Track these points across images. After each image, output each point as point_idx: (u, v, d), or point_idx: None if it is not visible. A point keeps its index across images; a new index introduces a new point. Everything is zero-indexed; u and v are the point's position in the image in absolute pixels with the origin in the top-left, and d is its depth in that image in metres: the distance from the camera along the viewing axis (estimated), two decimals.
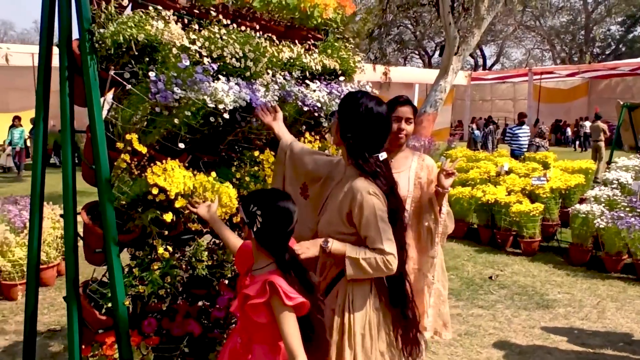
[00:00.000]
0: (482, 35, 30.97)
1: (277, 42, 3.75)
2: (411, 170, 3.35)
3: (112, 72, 2.57)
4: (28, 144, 17.76)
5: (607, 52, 41.86)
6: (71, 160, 2.71)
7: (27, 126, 18.25)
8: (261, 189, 2.53)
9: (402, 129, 3.32)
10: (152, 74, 2.54)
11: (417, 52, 44.99)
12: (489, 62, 45.96)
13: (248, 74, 3.16)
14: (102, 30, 2.58)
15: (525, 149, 12.53)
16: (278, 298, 2.08)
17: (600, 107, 28.05)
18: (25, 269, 5.75)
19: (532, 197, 8.05)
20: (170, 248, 2.71)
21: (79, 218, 2.80)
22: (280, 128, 3.12)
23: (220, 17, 3.17)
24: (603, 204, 7.28)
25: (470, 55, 40.94)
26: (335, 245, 2.46)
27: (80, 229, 2.82)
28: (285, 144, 3.01)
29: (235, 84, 3.06)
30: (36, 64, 17.75)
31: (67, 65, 2.66)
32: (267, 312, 2.13)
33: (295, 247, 2.38)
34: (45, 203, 6.32)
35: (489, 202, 8.00)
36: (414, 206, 3.27)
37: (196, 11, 3.17)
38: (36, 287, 3.03)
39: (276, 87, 3.30)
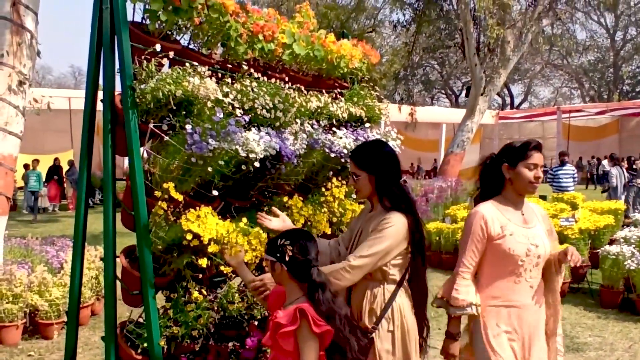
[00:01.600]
0: (509, 75, 31.14)
1: (305, 91, 3.93)
2: (540, 223, 2.99)
3: (151, 125, 2.75)
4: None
5: (637, 90, 41.55)
6: (112, 206, 2.88)
7: (64, 166, 18.78)
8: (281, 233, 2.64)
9: (538, 176, 2.87)
10: (188, 127, 2.72)
11: (444, 92, 45.31)
12: (516, 101, 45.97)
13: (278, 124, 3.33)
14: (142, 86, 2.77)
15: (569, 190, 11.36)
16: (307, 324, 2.24)
17: (631, 145, 27.73)
18: (61, 309, 5.96)
19: (561, 238, 8.01)
20: (204, 291, 2.84)
21: (117, 261, 2.96)
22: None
23: (252, 70, 3.36)
24: (633, 245, 7.22)
25: (498, 94, 41.05)
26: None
27: (118, 271, 2.98)
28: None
29: (266, 133, 3.23)
30: (72, 106, 18.13)
31: (110, 119, 2.86)
32: (295, 340, 2.27)
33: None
34: None
35: None
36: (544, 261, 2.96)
37: (229, 65, 3.37)
38: (76, 327, 3.18)
39: (304, 135, 3.45)
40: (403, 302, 2.76)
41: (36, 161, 17.71)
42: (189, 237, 2.65)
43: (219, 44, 3.38)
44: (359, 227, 2.88)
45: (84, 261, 6.29)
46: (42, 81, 46.85)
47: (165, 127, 2.85)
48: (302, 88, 3.79)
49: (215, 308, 3.11)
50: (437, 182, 11.95)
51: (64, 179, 19.80)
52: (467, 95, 20.56)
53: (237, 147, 2.94)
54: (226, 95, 3.15)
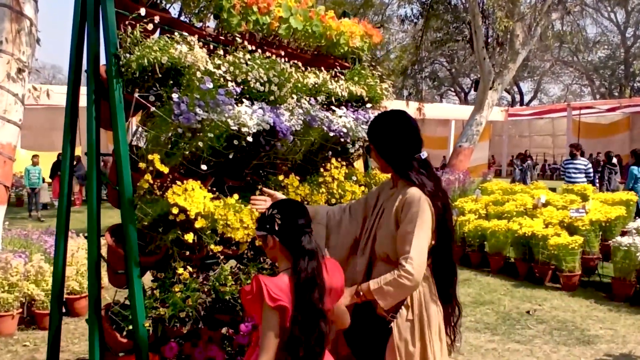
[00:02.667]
0: (519, 72, 30.82)
1: (304, 69, 3.78)
2: None
3: (137, 95, 2.62)
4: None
5: None
6: (96, 182, 2.75)
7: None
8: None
9: None
10: (175, 96, 2.58)
11: (452, 89, 44.99)
12: (526, 99, 45.56)
13: (272, 98, 3.18)
14: (128, 55, 2.64)
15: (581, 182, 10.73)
16: (261, 295, 2.07)
17: None
18: None
19: (571, 229, 7.82)
20: (190, 269, 2.70)
21: (103, 240, 2.82)
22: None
23: (246, 43, 3.21)
24: None
25: (507, 91, 40.75)
26: (364, 287, 2.46)
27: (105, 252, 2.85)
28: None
29: (260, 108, 3.09)
30: (80, 104, 18.26)
31: (94, 89, 2.72)
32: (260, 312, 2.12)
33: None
34: (79, 234, 6.45)
35: (526, 235, 7.79)
36: None
37: (222, 38, 3.23)
38: (59, 317, 3.05)
39: (300, 111, 3.30)
40: (424, 288, 2.56)
41: (36, 157, 17.59)
42: (174, 211, 2.50)
43: (211, 16, 3.23)
44: (381, 205, 2.69)
45: (83, 251, 6.22)
46: (52, 80, 47.05)
47: (152, 98, 2.72)
48: (300, 65, 3.64)
49: (206, 290, 2.96)
50: (445, 174, 11.77)
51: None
52: (475, 89, 20.35)
53: (229, 119, 2.80)
54: (218, 67, 3.01)
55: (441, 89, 44.95)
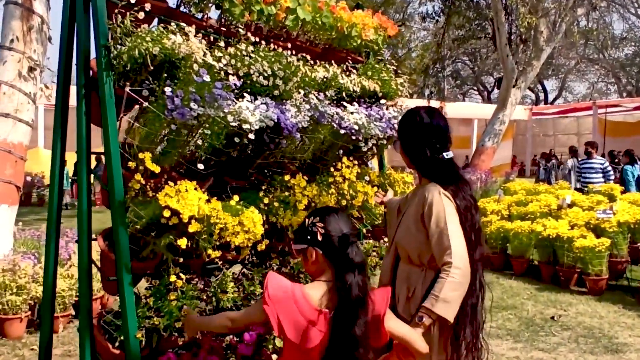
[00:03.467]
0: (543, 70, 30.27)
1: (313, 62, 3.58)
2: None
3: (127, 89, 2.44)
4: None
5: None
6: (86, 183, 2.58)
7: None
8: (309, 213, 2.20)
9: None
10: (168, 89, 2.39)
11: (475, 88, 44.40)
12: (550, 97, 44.75)
13: (277, 93, 2.99)
14: (119, 46, 2.46)
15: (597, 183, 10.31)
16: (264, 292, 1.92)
17: None
18: (67, 302, 5.72)
19: (598, 231, 7.51)
20: (187, 276, 2.51)
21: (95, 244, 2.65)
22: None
23: (249, 35, 3.02)
24: None
25: (531, 90, 40.08)
26: (426, 319, 2.28)
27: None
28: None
29: (263, 103, 2.89)
30: None
31: (84, 83, 2.55)
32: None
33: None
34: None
35: (550, 236, 7.49)
36: None
37: (223, 29, 3.04)
38: (51, 322, 2.88)
39: (307, 107, 3.10)
40: None
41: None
42: (166, 214, 2.32)
43: (212, 6, 3.04)
44: (406, 204, 2.66)
45: (75, 254, 6.07)
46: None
47: (145, 93, 2.53)
48: (309, 58, 3.44)
49: (205, 298, 2.78)
50: (467, 174, 11.44)
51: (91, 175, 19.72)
52: (498, 87, 19.96)
53: (228, 115, 2.61)
54: (218, 60, 2.82)
55: (464, 87, 44.42)
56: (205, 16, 3.15)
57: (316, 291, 1.96)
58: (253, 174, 3.23)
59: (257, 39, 3.12)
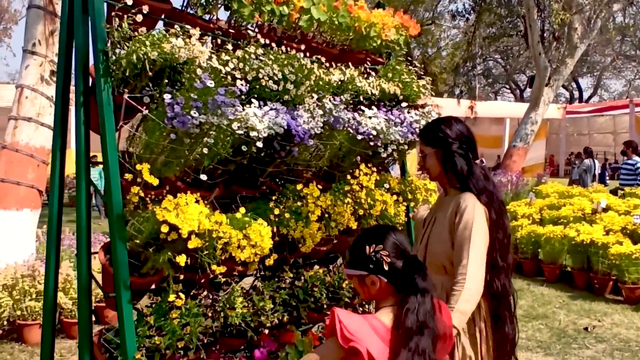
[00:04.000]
0: (578, 67, 29.53)
1: (329, 65, 3.42)
2: None
3: (126, 96, 2.31)
4: None
5: None
6: (85, 194, 2.46)
7: None
8: (359, 235, 2.06)
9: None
10: (167, 96, 2.25)
11: (508, 87, 43.63)
12: (585, 95, 43.70)
13: (287, 97, 2.83)
14: (118, 51, 2.33)
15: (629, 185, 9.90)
16: (336, 331, 1.79)
17: None
18: None
19: (635, 237, 7.17)
20: (183, 295, 2.37)
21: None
22: None
23: (259, 37, 2.87)
24: None
25: (565, 88, 39.22)
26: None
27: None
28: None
29: (272, 109, 2.74)
30: None
31: (82, 90, 2.42)
32: None
33: None
34: None
35: (584, 242, 7.19)
36: None
37: (232, 31, 2.89)
38: (53, 332, 2.78)
39: (321, 112, 2.93)
40: (484, 303, 2.47)
41: (94, 157, 17.66)
42: (164, 229, 2.17)
43: (220, 7, 2.90)
44: (433, 215, 2.66)
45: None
46: None
47: (147, 100, 2.40)
48: (323, 60, 3.27)
49: (210, 314, 2.64)
50: (497, 176, 11.12)
51: None
52: (530, 86, 19.49)
53: (234, 122, 2.46)
54: (225, 64, 2.68)
55: (496, 86, 43.69)
56: (214, 18, 3.01)
57: (388, 317, 1.88)
58: (265, 182, 3.07)
59: (268, 41, 2.97)
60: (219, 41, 2.85)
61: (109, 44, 2.34)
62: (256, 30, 3.18)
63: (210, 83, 2.36)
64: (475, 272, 2.31)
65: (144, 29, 2.33)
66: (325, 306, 3.33)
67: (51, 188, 2.66)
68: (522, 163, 16.04)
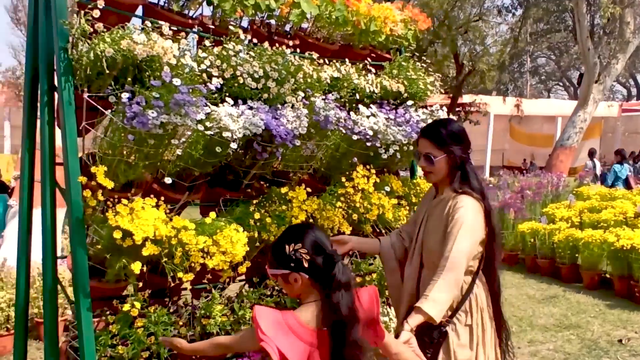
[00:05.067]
0: (635, 62, 28.30)
1: (328, 62, 3.26)
2: None
3: (85, 95, 2.21)
4: None
5: None
6: (50, 195, 2.38)
7: None
8: (280, 236, 2.08)
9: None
10: (125, 95, 2.15)
11: (561, 84, 42.28)
12: None
13: (266, 95, 2.69)
14: (80, 48, 2.24)
15: None
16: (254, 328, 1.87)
17: None
18: None
19: None
20: (138, 304, 2.26)
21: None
22: (361, 243, 2.94)
23: (241, 32, 2.74)
24: None
25: (622, 84, 37.71)
26: (411, 320, 2.27)
27: None
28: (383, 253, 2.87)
29: (250, 108, 2.60)
30: None
31: (46, 89, 2.34)
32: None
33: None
34: None
35: (624, 248, 6.77)
36: None
37: (211, 27, 2.77)
38: (24, 338, 2.71)
39: (304, 111, 2.77)
40: (480, 293, 2.57)
41: None
42: (117, 235, 2.07)
43: (203, 1, 2.79)
44: (423, 215, 2.67)
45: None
46: None
47: (113, 99, 2.30)
48: (316, 56, 3.11)
49: (182, 323, 2.52)
50: (544, 178, 10.65)
51: None
52: (579, 83, 18.76)
53: (201, 122, 2.34)
54: (201, 61, 2.56)
55: (548, 83, 42.41)
56: (199, 14, 2.90)
57: (307, 313, 1.93)
58: (251, 185, 2.94)
59: (257, 38, 2.85)
60: (206, 40, 2.73)
61: (70, 41, 2.25)
62: (246, 26, 3.06)
63: (177, 81, 2.24)
64: (455, 265, 2.34)
65: (100, 26, 2.22)
66: None
67: (21, 191, 2.60)
68: (570, 163, 15.42)
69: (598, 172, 12.83)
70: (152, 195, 2.32)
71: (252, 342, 1.91)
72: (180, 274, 2.30)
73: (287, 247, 1.94)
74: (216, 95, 2.53)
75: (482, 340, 2.53)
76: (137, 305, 2.24)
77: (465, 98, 22.12)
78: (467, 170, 2.53)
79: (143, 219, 2.07)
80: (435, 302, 2.27)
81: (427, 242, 2.59)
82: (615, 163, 12.23)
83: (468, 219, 2.42)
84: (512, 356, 2.72)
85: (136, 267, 2.11)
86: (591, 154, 14.42)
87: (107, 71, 2.18)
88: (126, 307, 2.23)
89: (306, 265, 1.91)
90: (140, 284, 2.38)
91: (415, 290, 2.60)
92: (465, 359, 2.47)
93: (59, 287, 2.49)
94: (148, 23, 2.41)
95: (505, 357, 2.68)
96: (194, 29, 2.74)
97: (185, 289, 2.74)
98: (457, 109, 21.45)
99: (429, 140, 2.56)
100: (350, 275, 1.96)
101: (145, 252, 2.09)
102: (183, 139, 2.42)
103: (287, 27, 3.28)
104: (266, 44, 2.86)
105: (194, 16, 2.84)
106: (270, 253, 2.01)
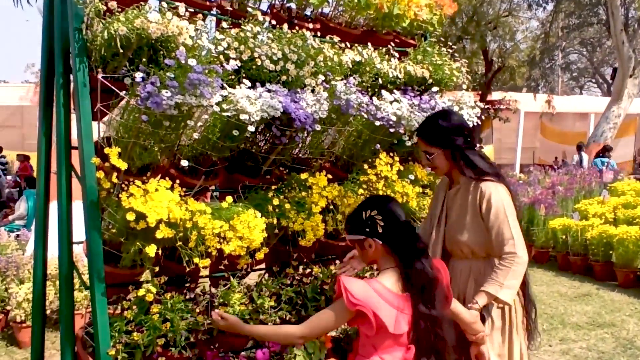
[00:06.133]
0: None
1: (350, 46, 3.18)
2: None
3: (100, 76, 2.17)
4: None
5: None
6: (66, 181, 2.35)
7: None
8: (360, 203, 2.28)
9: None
10: (138, 75, 2.10)
11: (594, 80, 41.38)
12: None
13: (285, 78, 2.62)
14: (94, 28, 2.20)
15: None
16: (343, 298, 1.99)
17: None
18: None
19: None
20: (153, 289, 2.20)
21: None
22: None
23: (259, 15, 2.67)
24: None
25: None
26: (481, 300, 2.39)
27: None
28: None
29: (269, 90, 2.54)
30: None
31: (62, 71, 2.31)
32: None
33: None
34: None
35: None
36: None
37: (229, 9, 2.71)
38: (42, 326, 2.69)
39: (324, 94, 2.69)
40: None
41: None
42: (130, 217, 2.02)
43: None
44: (442, 206, 2.70)
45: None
46: None
47: (129, 81, 2.26)
48: (336, 40, 3.04)
49: (199, 311, 2.46)
50: (569, 174, 10.39)
51: None
52: (612, 78, 18.31)
53: (217, 104, 2.28)
54: (218, 43, 2.50)
55: (581, 80, 41.56)
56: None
57: (391, 279, 2.07)
58: (271, 171, 2.88)
59: (270, 21, 2.78)
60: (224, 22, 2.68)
61: (85, 22, 2.21)
62: (266, 10, 3.00)
63: (192, 61, 2.19)
64: (522, 249, 2.39)
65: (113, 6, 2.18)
66: None
67: (38, 179, 2.57)
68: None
69: (585, 166, 12.55)
70: (167, 179, 2.27)
71: (345, 313, 2.00)
72: (196, 259, 2.25)
73: (363, 213, 2.10)
74: (233, 77, 2.47)
75: (516, 322, 2.59)
76: (153, 290, 2.19)
77: (495, 95, 21.80)
78: (469, 158, 2.54)
79: (157, 201, 2.02)
80: (510, 289, 2.36)
81: (452, 232, 2.61)
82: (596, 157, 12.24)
83: (505, 203, 2.47)
84: (538, 335, 2.76)
85: (151, 250, 2.06)
86: (579, 147, 14.55)
87: (121, 51, 2.13)
88: (141, 291, 2.19)
89: (380, 230, 2.05)
90: (157, 269, 2.34)
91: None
92: (499, 342, 2.53)
93: (75, 272, 2.45)
94: (164, 4, 2.37)
95: (532, 337, 2.71)
96: (212, 12, 2.68)
97: (204, 276, 2.69)
98: (486, 106, 21.18)
99: (421, 139, 2.63)
100: (425, 242, 2.14)
101: (159, 235, 2.04)
102: (200, 123, 2.37)
103: (308, 12, 3.22)
104: (285, 27, 2.80)
105: None
106: (348, 220, 2.20)
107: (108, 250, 2.28)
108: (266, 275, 2.93)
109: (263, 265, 3.05)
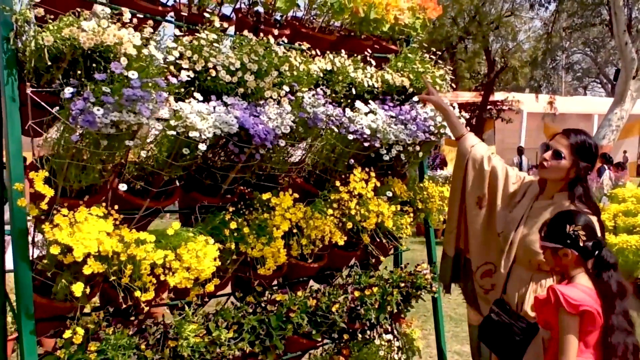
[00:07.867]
0: None
1: (328, 53, 2.97)
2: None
3: (29, 90, 1.96)
4: None
5: None
6: None
7: None
8: (560, 215, 2.37)
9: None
10: (68, 91, 1.88)
11: (598, 81, 41.02)
12: None
13: (242, 90, 2.40)
14: (24, 38, 1.99)
15: None
16: (561, 307, 2.15)
17: None
18: None
19: None
20: (81, 330, 1.98)
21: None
22: (450, 115, 2.89)
23: (216, 20, 2.45)
24: None
25: None
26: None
27: None
28: (465, 148, 2.80)
29: (223, 104, 2.32)
30: None
31: None
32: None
33: None
34: None
35: None
36: None
37: (184, 14, 2.49)
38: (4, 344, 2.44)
39: (287, 107, 2.47)
40: None
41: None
42: (54, 250, 1.80)
43: None
44: (526, 210, 2.67)
45: None
46: None
47: (68, 95, 2.04)
48: (305, 47, 2.81)
49: (144, 346, 2.24)
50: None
51: None
52: (615, 79, 18.03)
53: (170, 120, 2.07)
54: (169, 52, 2.29)
55: (585, 80, 41.22)
56: (177, 1, 2.63)
57: (589, 284, 2.23)
58: (231, 190, 2.66)
59: (235, 27, 2.57)
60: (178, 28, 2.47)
61: (14, 30, 2.00)
62: (229, 14, 2.79)
63: (133, 74, 1.97)
64: None
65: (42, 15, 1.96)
66: (313, 332, 2.87)
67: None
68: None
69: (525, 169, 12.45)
70: (107, 204, 2.06)
71: (571, 319, 2.15)
72: (137, 293, 2.03)
73: (568, 226, 2.24)
74: (184, 90, 2.25)
75: None
76: (80, 332, 1.96)
77: (497, 95, 21.55)
78: (587, 187, 2.58)
79: (85, 232, 1.80)
80: None
81: (527, 240, 2.61)
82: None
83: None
84: None
85: (77, 288, 1.84)
86: (519, 151, 14.79)
87: (49, 63, 1.91)
88: (67, 333, 1.96)
89: (581, 244, 2.21)
90: (99, 301, 2.13)
91: (502, 289, 2.68)
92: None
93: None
94: (107, 10, 2.15)
95: None
96: (166, 18, 2.46)
97: (155, 305, 2.47)
98: (488, 107, 20.90)
99: (567, 140, 2.55)
100: (616, 258, 2.27)
101: (86, 271, 1.82)
102: (149, 139, 2.16)
103: (279, 16, 3.00)
104: (250, 33, 2.58)
105: (168, 3, 2.57)
106: (547, 228, 2.31)
107: (43, 281, 2.07)
108: (229, 303, 2.71)
109: (227, 290, 2.85)
